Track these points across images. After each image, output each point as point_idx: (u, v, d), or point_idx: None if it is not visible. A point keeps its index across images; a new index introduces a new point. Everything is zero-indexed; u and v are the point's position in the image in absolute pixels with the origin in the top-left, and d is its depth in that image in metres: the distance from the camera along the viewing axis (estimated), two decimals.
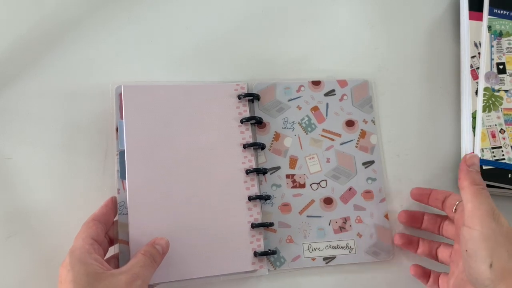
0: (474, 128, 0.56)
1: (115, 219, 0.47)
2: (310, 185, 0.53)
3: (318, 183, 0.54)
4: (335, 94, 0.56)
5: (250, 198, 0.51)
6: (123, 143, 0.49)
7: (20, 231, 0.49)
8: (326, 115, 0.56)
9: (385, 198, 0.54)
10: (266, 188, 0.53)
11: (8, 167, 0.50)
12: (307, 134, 0.55)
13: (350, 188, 0.54)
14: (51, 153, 0.51)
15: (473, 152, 0.48)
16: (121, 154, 0.49)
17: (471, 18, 0.60)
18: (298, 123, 0.55)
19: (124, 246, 0.46)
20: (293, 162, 0.54)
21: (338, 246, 0.52)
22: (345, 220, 0.53)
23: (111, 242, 0.47)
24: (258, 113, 0.55)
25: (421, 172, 0.56)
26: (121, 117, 0.50)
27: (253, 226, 0.50)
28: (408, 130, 0.58)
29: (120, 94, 0.50)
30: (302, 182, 0.53)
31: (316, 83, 0.57)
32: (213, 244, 0.48)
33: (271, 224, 0.51)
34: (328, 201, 0.53)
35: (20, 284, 0.48)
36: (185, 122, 0.51)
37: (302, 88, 0.56)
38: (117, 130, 0.50)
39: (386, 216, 0.53)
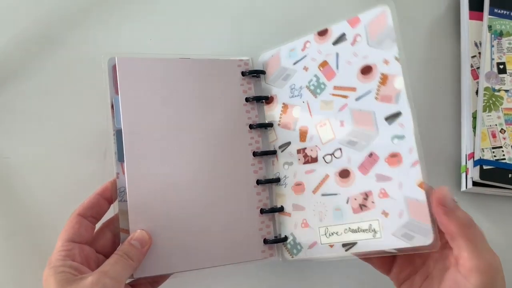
0: (474, 128, 0.56)
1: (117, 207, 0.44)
2: (323, 157, 0.45)
3: (332, 154, 0.45)
4: (346, 39, 0.45)
5: (259, 182, 0.47)
6: (119, 121, 0.44)
7: (20, 231, 0.49)
8: (337, 68, 0.45)
9: (418, 161, 0.40)
10: (278, 167, 0.49)
11: (7, 166, 0.50)
12: (316, 97, 0.46)
13: (371, 154, 0.42)
14: (50, 152, 0.51)
15: (438, 188, 0.38)
16: (118, 133, 0.44)
17: (471, 18, 0.60)
18: (306, 86, 0.47)
19: (125, 236, 0.42)
20: (303, 133, 0.47)
21: (359, 229, 0.42)
22: (366, 195, 0.42)
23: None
24: (265, 87, 0.50)
25: None
26: (116, 92, 0.45)
27: (262, 211, 0.47)
28: None
29: (114, 67, 0.45)
30: (314, 156, 0.46)
31: (323, 32, 0.47)
32: (220, 232, 0.45)
33: (281, 209, 0.47)
34: (344, 174, 0.44)
35: (19, 284, 0.47)
36: (187, 100, 0.47)
37: (308, 45, 0.48)
38: (112, 107, 0.45)
39: (421, 186, 0.39)
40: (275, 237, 0.47)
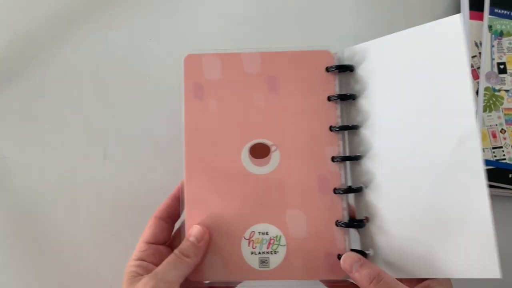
0: None
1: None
2: None
3: None
4: None
5: (336, 191, 0.42)
6: None
7: (19, 231, 0.49)
8: None
9: None
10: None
11: (7, 166, 0.50)
12: None
13: None
14: (50, 152, 0.51)
15: (344, 253, 0.40)
16: None
17: (471, 17, 0.60)
18: None
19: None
20: None
21: None
22: None
23: None
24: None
25: None
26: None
27: (338, 224, 0.41)
28: None
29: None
30: None
31: None
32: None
33: (362, 222, 0.42)
34: None
35: (20, 284, 0.47)
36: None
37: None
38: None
39: None
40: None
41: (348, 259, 0.39)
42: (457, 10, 0.62)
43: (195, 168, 0.42)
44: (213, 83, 0.43)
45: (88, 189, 0.50)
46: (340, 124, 0.43)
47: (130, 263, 0.41)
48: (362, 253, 0.41)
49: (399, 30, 0.62)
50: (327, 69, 0.43)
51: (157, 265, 0.40)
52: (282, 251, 0.41)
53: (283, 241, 0.41)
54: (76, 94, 0.53)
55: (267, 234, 0.41)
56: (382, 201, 0.41)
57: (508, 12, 0.60)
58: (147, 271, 0.40)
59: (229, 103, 0.43)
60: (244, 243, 0.41)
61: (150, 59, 0.56)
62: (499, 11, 0.60)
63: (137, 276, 0.39)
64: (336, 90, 0.43)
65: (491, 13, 0.59)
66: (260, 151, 0.43)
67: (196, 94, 0.43)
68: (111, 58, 0.55)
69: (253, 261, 0.41)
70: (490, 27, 0.59)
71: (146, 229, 0.43)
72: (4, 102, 0.52)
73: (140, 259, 0.41)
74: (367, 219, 0.42)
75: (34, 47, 0.54)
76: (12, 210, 0.49)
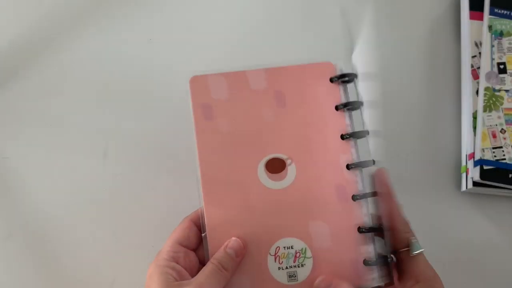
0: (474, 128, 0.56)
1: None
2: None
3: None
4: None
5: (355, 198, 0.42)
6: None
7: (19, 231, 0.49)
8: None
9: None
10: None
11: (6, 166, 0.50)
12: None
13: None
14: (49, 152, 0.51)
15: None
16: None
17: (471, 17, 0.60)
18: None
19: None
20: None
21: None
22: None
23: None
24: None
25: (421, 172, 0.56)
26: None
27: (361, 231, 0.41)
28: (409, 129, 0.58)
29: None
30: None
31: None
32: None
33: (380, 229, 0.41)
34: None
35: (20, 284, 0.47)
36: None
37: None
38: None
39: None
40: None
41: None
42: (457, 10, 0.62)
43: (213, 190, 0.42)
44: (221, 102, 0.43)
45: (88, 189, 0.50)
46: (350, 131, 0.43)
47: (163, 263, 0.39)
48: (385, 258, 0.41)
49: (399, 30, 0.62)
50: (331, 80, 0.44)
51: (187, 270, 0.39)
52: (309, 263, 0.41)
53: (308, 253, 0.41)
54: (76, 94, 0.53)
55: (292, 248, 0.41)
56: None
57: (508, 12, 0.60)
58: (181, 276, 0.38)
59: (239, 121, 0.43)
60: (271, 259, 0.41)
61: (150, 59, 0.56)
62: (499, 11, 0.60)
63: (174, 281, 0.38)
64: (342, 99, 0.44)
65: (491, 13, 0.59)
66: (276, 166, 0.43)
67: (206, 115, 0.43)
68: (111, 58, 0.55)
69: (281, 277, 0.41)
70: (490, 27, 0.59)
71: (178, 229, 0.41)
72: (5, 102, 0.52)
73: (174, 260, 0.40)
74: None
75: (34, 47, 0.54)
76: (12, 210, 0.49)
